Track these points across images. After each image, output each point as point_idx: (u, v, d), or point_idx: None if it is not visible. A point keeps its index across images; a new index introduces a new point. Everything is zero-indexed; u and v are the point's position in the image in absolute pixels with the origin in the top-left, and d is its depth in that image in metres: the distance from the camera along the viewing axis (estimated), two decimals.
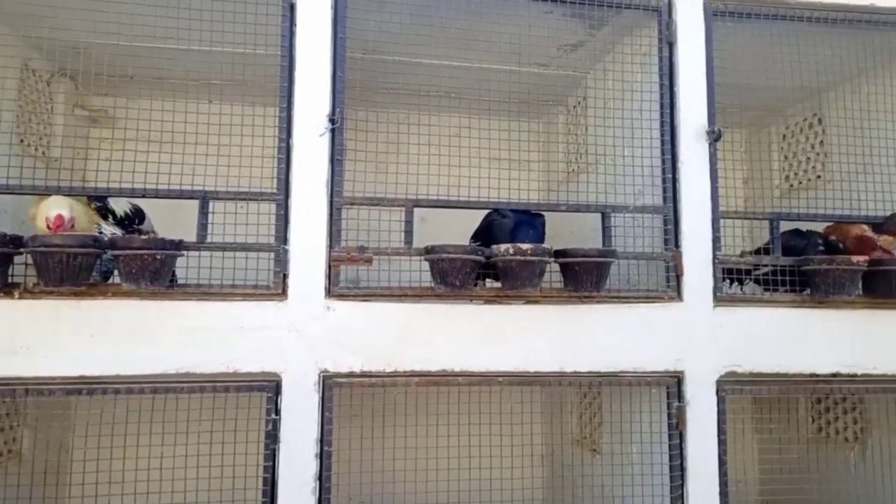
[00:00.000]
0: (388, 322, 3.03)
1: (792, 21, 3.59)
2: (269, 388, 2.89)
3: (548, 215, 5.29)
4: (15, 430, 3.78)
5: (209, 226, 2.94)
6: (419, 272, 3.09)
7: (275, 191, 3.03)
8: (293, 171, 3.05)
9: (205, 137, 3.15)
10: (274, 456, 2.87)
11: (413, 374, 3.03)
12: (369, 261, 3.01)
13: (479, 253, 3.02)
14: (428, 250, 2.99)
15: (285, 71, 3.13)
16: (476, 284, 3.35)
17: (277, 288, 2.96)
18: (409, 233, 3.09)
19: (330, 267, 3.01)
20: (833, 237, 3.63)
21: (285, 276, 2.97)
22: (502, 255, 2.98)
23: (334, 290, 3.00)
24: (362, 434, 3.63)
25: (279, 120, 3.09)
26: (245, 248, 2.95)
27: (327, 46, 3.17)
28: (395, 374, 3.01)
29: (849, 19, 3.64)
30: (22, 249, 2.65)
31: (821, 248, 3.55)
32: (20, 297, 2.72)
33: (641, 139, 3.54)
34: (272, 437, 2.87)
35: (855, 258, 3.29)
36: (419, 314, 3.07)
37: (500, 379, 3.13)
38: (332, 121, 3.09)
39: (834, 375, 3.42)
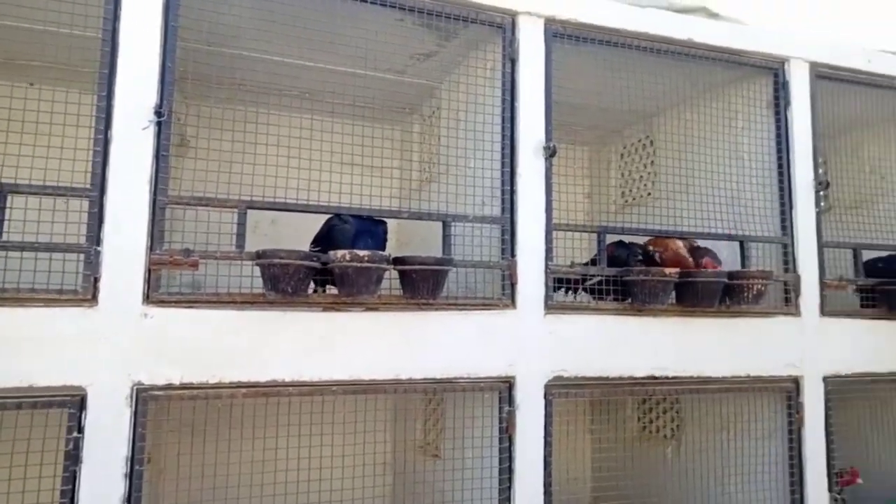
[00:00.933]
0: (213, 330, 2.88)
1: (624, 48, 3.87)
2: (72, 403, 2.63)
3: (403, 223, 5.34)
4: None
5: (6, 222, 2.63)
6: (254, 278, 2.97)
7: (88, 186, 2.77)
8: (110, 165, 2.81)
9: (8, 124, 2.83)
10: (74, 479, 2.61)
11: (239, 385, 2.90)
12: (195, 265, 2.84)
13: (315, 259, 2.95)
14: (259, 255, 2.87)
15: (106, 56, 2.88)
16: (316, 291, 3.29)
17: (86, 293, 2.70)
18: (241, 236, 2.95)
19: (150, 271, 2.80)
20: (652, 249, 3.95)
21: (96, 280, 2.72)
22: (339, 262, 2.94)
23: (154, 295, 2.80)
24: (192, 449, 3.43)
25: (97, 109, 2.84)
26: (50, 248, 2.67)
27: (157, 34, 2.96)
28: (219, 386, 2.86)
29: (671, 51, 3.98)
30: None
31: (640, 259, 3.85)
32: None
33: (486, 151, 3.65)
34: (73, 458, 2.61)
35: (668, 270, 3.59)
36: (248, 322, 2.94)
37: (335, 388, 3.08)
38: (158, 113, 2.89)
39: (650, 378, 3.72)
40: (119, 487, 2.67)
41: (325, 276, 3.13)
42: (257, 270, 2.98)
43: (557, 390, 3.52)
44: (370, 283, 2.98)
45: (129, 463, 2.69)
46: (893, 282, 4.28)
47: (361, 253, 2.90)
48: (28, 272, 2.66)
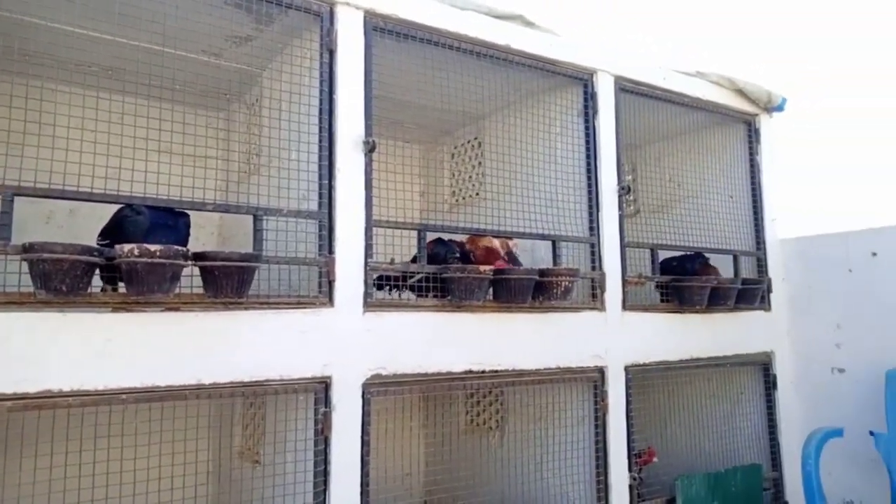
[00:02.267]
0: None
1: (445, 48, 3.92)
2: None
3: (227, 218, 5.03)
4: None
5: None
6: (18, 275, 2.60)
7: None
8: None
9: None
10: None
11: (4, 397, 2.52)
12: None
13: (97, 253, 2.65)
14: (26, 248, 2.52)
15: None
16: (105, 290, 2.97)
17: None
18: (5, 226, 2.58)
19: None
20: (469, 247, 4.06)
21: None
22: (126, 257, 2.66)
23: None
24: None
25: None
26: None
27: None
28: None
29: (491, 55, 4.11)
30: None
31: (457, 257, 3.94)
32: None
33: (306, 144, 3.51)
34: None
35: (483, 267, 3.70)
36: (18, 324, 2.57)
37: (125, 397, 2.79)
38: None
39: (468, 372, 3.80)
40: None
41: (113, 272, 2.83)
42: (19, 266, 2.61)
43: (376, 388, 3.48)
44: (164, 280, 2.74)
45: None
46: (683, 279, 4.75)
47: (152, 247, 2.64)
48: None
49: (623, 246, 4.61)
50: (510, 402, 4.85)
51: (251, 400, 4.08)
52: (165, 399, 2.91)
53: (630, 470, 4.38)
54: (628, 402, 4.46)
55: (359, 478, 3.37)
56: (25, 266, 2.62)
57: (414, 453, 4.94)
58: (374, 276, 3.61)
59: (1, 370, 2.54)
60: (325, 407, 3.32)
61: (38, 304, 2.62)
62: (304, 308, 3.32)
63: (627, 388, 4.47)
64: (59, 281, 2.52)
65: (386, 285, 3.94)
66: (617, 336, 4.48)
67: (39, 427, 2.90)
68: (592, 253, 4.51)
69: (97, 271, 2.79)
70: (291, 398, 3.47)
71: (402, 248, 3.84)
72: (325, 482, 3.30)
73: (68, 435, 2.97)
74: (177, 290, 2.88)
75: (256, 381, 3.13)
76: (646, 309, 4.71)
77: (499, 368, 3.92)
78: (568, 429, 4.37)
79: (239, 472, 4.18)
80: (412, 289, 3.93)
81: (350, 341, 3.42)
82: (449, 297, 3.75)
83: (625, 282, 4.59)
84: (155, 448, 3.34)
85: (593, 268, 4.50)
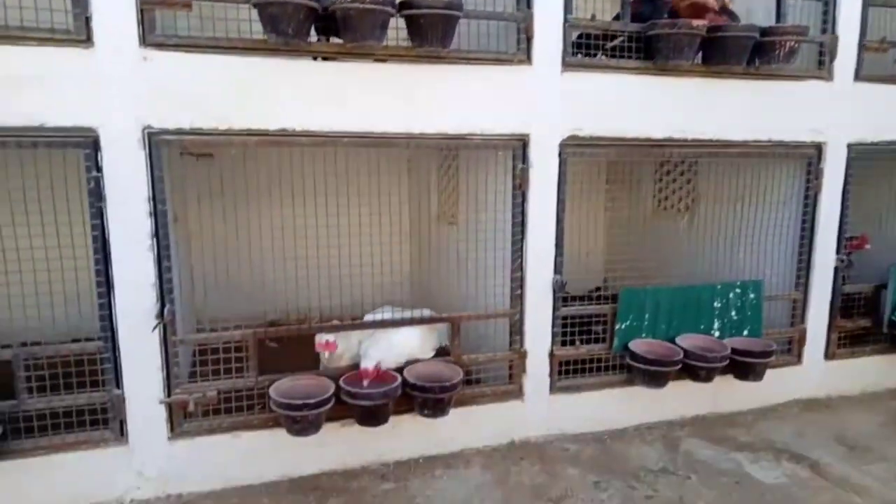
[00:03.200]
0: (218, 76, 2.81)
1: None
2: (86, 144, 2.66)
3: None
4: None
5: None
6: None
7: None
8: None
9: None
10: (101, 214, 2.73)
11: (250, 132, 2.89)
12: (188, 6, 2.70)
13: (315, 1, 2.77)
14: None
15: None
16: (319, 40, 3.14)
17: (80, 33, 2.61)
18: None
19: (142, 11, 2.67)
20: (676, 3, 3.65)
21: (88, 20, 2.61)
22: (340, 4, 2.76)
23: (150, 38, 2.70)
24: (213, 212, 3.54)
25: None
26: None
27: None
28: (230, 133, 2.86)
29: None
30: None
31: (665, 15, 3.57)
32: None
33: None
34: (96, 195, 2.71)
35: (694, 22, 3.34)
36: (254, 68, 2.86)
37: (346, 140, 3.06)
38: None
39: (668, 140, 3.64)
40: (146, 225, 2.79)
41: (328, 23, 2.96)
42: (249, 14, 2.81)
43: (572, 149, 3.47)
44: (374, 27, 2.83)
45: (151, 202, 2.79)
46: None
47: None
48: (14, 9, 2.53)
49: (866, 4, 3.89)
50: (705, 182, 4.63)
51: (452, 153, 4.20)
52: (380, 145, 3.15)
53: (838, 252, 4.10)
54: (846, 183, 4.05)
55: (553, 232, 3.52)
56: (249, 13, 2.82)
57: (597, 234, 5.02)
58: (574, 35, 3.44)
59: (246, 109, 2.87)
60: (523, 164, 3.40)
61: (266, 51, 2.86)
62: (503, 65, 3.30)
63: (847, 167, 4.04)
64: (286, 24, 2.70)
65: (579, 53, 3.73)
66: (843, 110, 3.96)
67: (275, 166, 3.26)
68: (825, 13, 3.88)
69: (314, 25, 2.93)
70: (484, 156, 3.59)
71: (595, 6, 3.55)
72: (523, 234, 3.48)
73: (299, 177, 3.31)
74: (384, 43, 2.97)
75: (459, 135, 3.26)
76: (883, 80, 4.05)
77: (702, 137, 3.69)
78: (770, 208, 4.11)
79: (436, 235, 4.56)
80: (609, 56, 3.69)
81: (548, 101, 3.38)
82: (654, 59, 3.49)
83: (862, 47, 3.93)
84: (365, 209, 3.64)
85: (823, 31, 3.89)
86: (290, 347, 3.36)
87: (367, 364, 3.15)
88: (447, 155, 4.31)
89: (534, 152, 3.40)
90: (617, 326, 3.80)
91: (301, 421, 3.02)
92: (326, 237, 3.32)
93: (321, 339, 3.28)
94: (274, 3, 2.68)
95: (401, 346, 3.36)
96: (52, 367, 2.78)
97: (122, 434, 2.96)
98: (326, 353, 3.34)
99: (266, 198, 3.78)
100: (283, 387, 3.12)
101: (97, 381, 2.89)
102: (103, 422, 2.93)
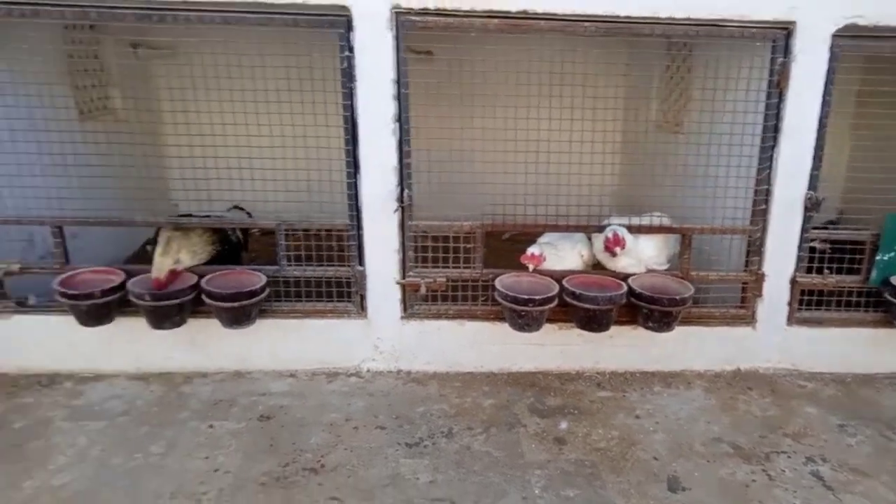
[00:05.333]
0: None
1: None
2: (340, 23, 2.78)
3: None
4: (106, 88, 3.93)
5: None
6: None
7: None
8: None
9: None
10: (352, 95, 2.87)
11: (492, 14, 2.82)
12: None
13: None
14: None
15: None
16: None
17: None
18: None
19: None
20: None
21: None
22: None
23: None
24: (438, 112, 3.56)
25: None
26: None
27: None
28: (471, 14, 2.81)
29: None
30: None
31: None
32: None
33: None
34: (348, 75, 2.84)
35: None
36: None
37: (587, 25, 2.88)
38: None
39: None
40: (390, 108, 2.89)
41: None
42: None
43: (847, 41, 2.98)
44: None
45: (396, 85, 2.87)
46: None
47: None
48: None
49: None
50: None
51: (684, 53, 3.84)
52: (623, 33, 2.93)
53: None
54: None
55: (813, 141, 3.09)
56: None
57: (838, 161, 4.33)
58: None
59: None
60: (784, 57, 2.99)
61: None
62: None
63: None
64: None
65: None
66: None
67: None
68: None
69: None
70: (734, 55, 3.20)
71: None
72: (775, 141, 3.10)
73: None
74: None
75: (712, 20, 2.92)
76: None
77: None
78: None
79: (653, 144, 4.23)
80: None
81: None
82: None
83: None
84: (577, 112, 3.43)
85: None
86: (503, 248, 3.37)
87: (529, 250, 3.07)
88: (676, 55, 3.95)
89: (799, 44, 2.96)
90: (878, 257, 3.29)
91: (525, 316, 3.02)
92: (537, 143, 3.18)
93: (529, 251, 3.20)
94: None
95: (636, 253, 3.20)
96: (307, 239, 3.04)
97: (362, 308, 3.18)
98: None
99: (479, 98, 3.74)
100: (507, 281, 3.13)
101: (343, 257, 3.12)
102: (347, 295, 3.17)
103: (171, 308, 2.89)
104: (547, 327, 3.14)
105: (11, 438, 2.72)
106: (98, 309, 2.86)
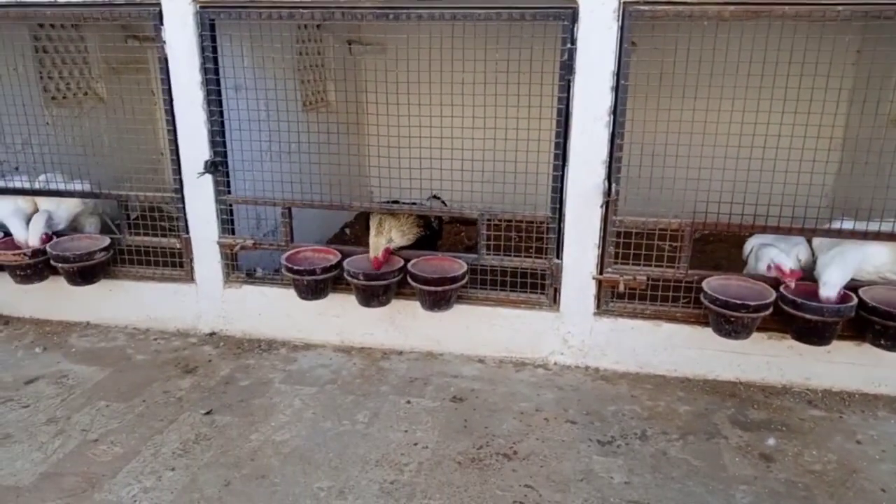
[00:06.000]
0: None
1: None
2: (565, 15, 2.73)
3: None
4: (325, 82, 4.26)
5: None
6: None
7: None
8: None
9: None
10: (568, 88, 2.82)
11: (727, 1, 2.63)
12: None
13: None
14: None
15: None
16: None
17: None
18: None
19: None
20: None
21: None
22: None
23: None
24: (646, 105, 3.39)
25: None
26: None
27: None
28: (705, 3, 2.64)
29: None
30: None
31: None
32: None
33: None
34: (567, 67, 2.80)
35: None
36: None
37: (840, 9, 2.56)
38: None
39: None
40: (606, 100, 2.81)
41: None
42: None
43: None
44: None
45: (615, 77, 2.78)
46: None
47: None
48: None
49: None
50: None
51: None
52: (882, 16, 2.60)
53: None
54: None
55: None
56: None
57: None
58: None
59: None
60: None
61: None
62: None
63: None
64: None
65: None
66: None
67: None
68: None
69: None
70: None
71: None
72: None
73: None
74: None
75: None
76: None
77: None
78: None
79: (889, 141, 3.74)
80: None
81: None
82: None
83: None
84: (791, 105, 3.09)
85: None
86: (709, 247, 3.18)
87: (786, 264, 2.81)
88: None
89: None
90: None
91: (735, 322, 2.84)
92: (751, 137, 2.93)
93: (779, 262, 2.97)
94: None
95: (869, 262, 2.89)
96: (507, 229, 3.07)
97: (554, 301, 3.17)
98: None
99: (690, 90, 3.51)
100: (714, 284, 2.96)
101: (541, 249, 3.11)
102: (540, 287, 3.17)
103: (380, 288, 3.05)
104: (754, 335, 2.93)
105: (240, 394, 3.03)
106: (317, 284, 3.09)
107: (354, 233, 4.63)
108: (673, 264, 3.02)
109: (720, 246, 4.31)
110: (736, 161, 3.00)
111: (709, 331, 2.95)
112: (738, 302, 2.79)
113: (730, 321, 2.84)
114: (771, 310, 2.82)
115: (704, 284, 2.94)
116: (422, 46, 2.96)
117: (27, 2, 3.12)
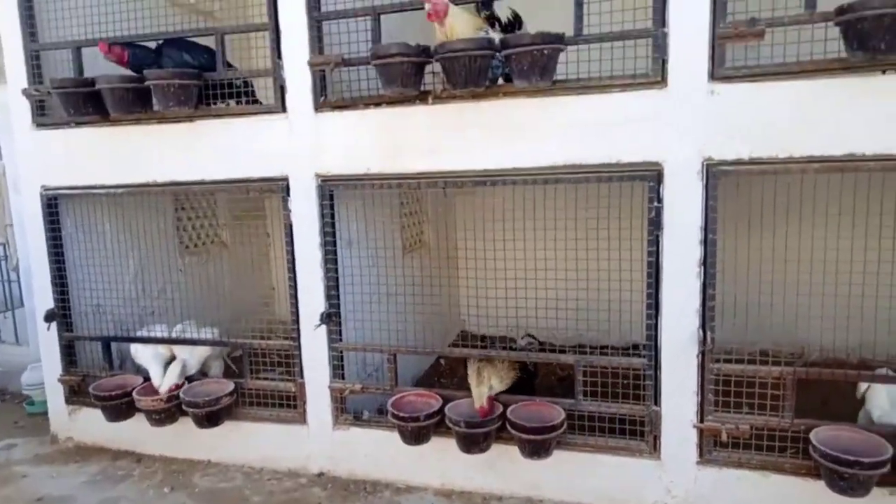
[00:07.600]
0: (782, 103, 2.73)
1: None
2: (651, 177, 2.91)
3: None
4: (422, 225, 4.61)
5: (585, 17, 2.91)
6: (823, 42, 2.67)
7: None
8: None
9: None
10: (657, 242, 2.95)
11: (811, 160, 2.73)
12: (761, 35, 2.69)
13: None
14: (840, 10, 2.53)
15: None
16: None
17: (656, 75, 2.86)
18: None
19: (714, 46, 2.77)
20: None
21: (664, 62, 2.84)
22: None
23: (719, 72, 2.78)
24: (737, 236, 3.46)
25: None
26: (622, 36, 2.88)
27: None
28: (789, 161, 2.75)
29: None
30: (431, 59, 3.00)
31: None
32: (433, 103, 3.13)
33: None
34: (655, 224, 2.93)
35: None
36: (822, 91, 2.69)
37: None
38: None
39: None
40: (696, 253, 2.90)
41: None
42: (831, 33, 2.65)
43: None
44: None
45: (703, 231, 2.88)
46: None
47: None
48: (595, 62, 2.94)
49: None
50: None
51: None
52: None
53: None
54: None
55: None
56: (825, 33, 2.65)
57: None
58: None
59: (807, 134, 2.72)
60: None
61: (840, 71, 2.64)
62: None
63: None
64: (877, 39, 2.45)
65: None
66: None
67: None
68: None
69: None
70: None
71: None
72: None
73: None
74: None
75: None
76: None
77: None
78: None
79: None
80: None
81: None
82: None
83: None
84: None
85: None
86: (815, 389, 3.08)
87: None
88: None
89: None
90: None
91: (849, 479, 2.70)
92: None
93: None
94: (864, 18, 2.47)
95: None
96: (604, 375, 3.13)
97: (654, 449, 3.13)
98: None
99: (781, 225, 3.57)
100: (823, 436, 2.85)
101: (639, 395, 3.13)
102: (640, 433, 3.15)
103: (480, 435, 3.15)
104: (874, 491, 2.77)
105: None
106: (420, 430, 3.22)
107: (449, 363, 4.80)
108: (777, 413, 2.95)
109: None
110: (835, 298, 2.99)
111: (822, 483, 2.82)
112: (851, 459, 2.68)
113: (843, 478, 2.71)
114: (888, 467, 2.67)
115: (812, 436, 2.84)
116: (516, 207, 3.24)
117: (181, 181, 3.67)
